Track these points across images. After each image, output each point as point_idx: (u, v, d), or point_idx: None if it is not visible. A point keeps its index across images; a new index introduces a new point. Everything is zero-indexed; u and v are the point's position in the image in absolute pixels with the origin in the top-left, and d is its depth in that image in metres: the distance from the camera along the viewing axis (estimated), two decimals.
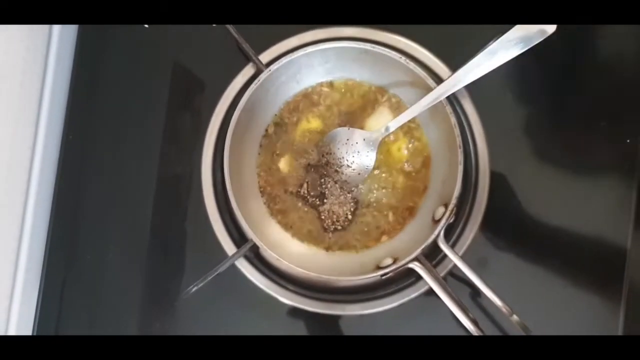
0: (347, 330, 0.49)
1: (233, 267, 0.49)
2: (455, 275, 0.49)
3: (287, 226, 0.50)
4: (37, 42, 0.52)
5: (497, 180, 0.50)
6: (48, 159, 0.53)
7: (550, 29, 0.41)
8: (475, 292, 0.48)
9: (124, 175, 0.52)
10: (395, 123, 0.46)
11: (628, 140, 0.50)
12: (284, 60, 0.47)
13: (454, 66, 0.50)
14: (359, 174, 0.49)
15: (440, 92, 0.44)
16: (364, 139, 0.48)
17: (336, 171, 0.49)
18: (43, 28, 0.53)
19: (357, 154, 0.49)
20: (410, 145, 0.50)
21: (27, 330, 0.51)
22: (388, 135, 0.48)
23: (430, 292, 0.46)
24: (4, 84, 0.47)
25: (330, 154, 0.49)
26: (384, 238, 0.49)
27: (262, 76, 0.46)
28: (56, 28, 0.54)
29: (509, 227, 0.50)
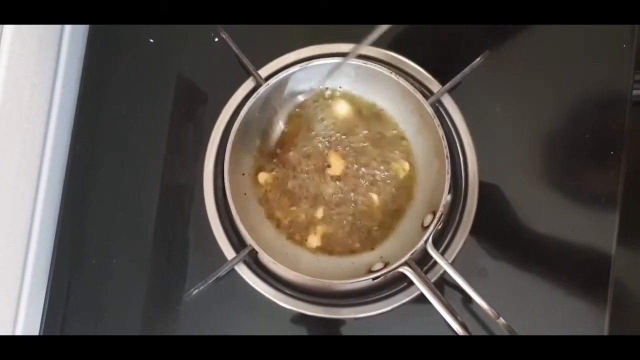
0: (341, 333, 0.50)
1: (233, 272, 0.51)
2: (446, 281, 0.50)
3: (283, 231, 0.52)
4: (46, 52, 0.53)
5: (486, 189, 0.51)
6: (56, 167, 0.55)
7: None
8: (466, 298, 0.49)
9: (128, 183, 0.54)
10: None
11: (612, 152, 0.51)
12: (281, 75, 0.48)
13: (444, 80, 0.52)
14: None
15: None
16: None
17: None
18: (53, 39, 0.54)
19: None
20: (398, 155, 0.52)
21: (34, 331, 0.52)
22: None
23: (422, 297, 0.47)
24: (15, 93, 0.48)
25: None
26: (376, 242, 0.51)
27: (261, 90, 0.48)
28: (64, 46, 0.56)
29: (498, 234, 0.51)
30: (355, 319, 0.50)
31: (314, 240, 0.51)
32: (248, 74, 0.54)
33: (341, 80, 0.52)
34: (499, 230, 0.51)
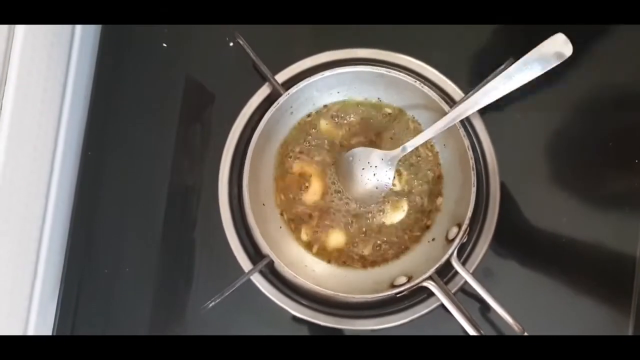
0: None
1: (248, 282, 0.50)
2: (465, 290, 0.49)
3: (302, 243, 0.51)
4: (58, 56, 0.52)
5: (507, 198, 0.51)
6: (66, 172, 0.54)
7: (567, 52, 0.42)
8: (485, 308, 0.49)
9: (139, 190, 0.53)
10: (412, 143, 0.47)
11: (637, 161, 0.50)
12: (302, 84, 0.47)
13: (465, 87, 0.52)
14: (377, 190, 0.50)
15: (456, 115, 0.45)
16: (382, 159, 0.49)
17: (353, 189, 0.51)
18: (64, 42, 0.53)
19: (375, 173, 0.49)
20: (425, 166, 0.52)
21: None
22: (405, 155, 0.49)
23: (441, 308, 0.47)
24: (27, 97, 0.48)
25: (349, 172, 0.50)
26: (399, 255, 0.50)
27: (281, 99, 0.47)
28: (75, 49, 0.55)
29: (519, 243, 0.51)
30: (373, 330, 0.49)
31: (334, 251, 0.51)
32: (264, 79, 0.53)
33: (363, 87, 0.51)
34: (520, 240, 0.51)
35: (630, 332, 0.48)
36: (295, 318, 0.50)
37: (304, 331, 0.50)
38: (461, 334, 0.46)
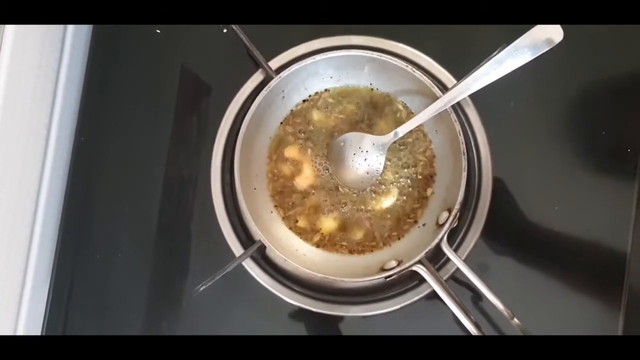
0: (350, 332, 0.50)
1: (239, 267, 0.50)
2: (456, 278, 0.50)
3: (293, 227, 0.51)
4: (50, 43, 0.52)
5: (500, 186, 0.51)
6: (59, 160, 0.54)
7: (558, 37, 0.42)
8: (476, 296, 0.49)
9: (133, 177, 0.53)
10: (403, 129, 0.47)
11: (629, 150, 0.50)
12: (293, 67, 0.47)
13: (458, 75, 0.52)
14: (367, 175, 0.50)
15: (447, 100, 0.45)
16: (373, 144, 0.49)
17: (345, 174, 0.51)
18: (57, 30, 0.53)
19: (366, 158, 0.50)
20: (416, 151, 0.51)
21: (36, 326, 0.51)
22: (396, 140, 0.49)
23: (433, 295, 0.47)
24: (19, 87, 0.48)
25: (340, 157, 0.50)
26: (390, 241, 0.50)
27: (272, 83, 0.47)
28: (69, 36, 0.55)
29: (511, 232, 0.51)
30: (364, 317, 0.50)
31: (325, 236, 0.51)
32: (257, 65, 0.53)
33: (355, 73, 0.51)
34: (511, 229, 0.51)
35: (620, 325, 0.48)
36: (287, 304, 0.50)
37: (295, 318, 0.50)
38: (452, 321, 0.46)
